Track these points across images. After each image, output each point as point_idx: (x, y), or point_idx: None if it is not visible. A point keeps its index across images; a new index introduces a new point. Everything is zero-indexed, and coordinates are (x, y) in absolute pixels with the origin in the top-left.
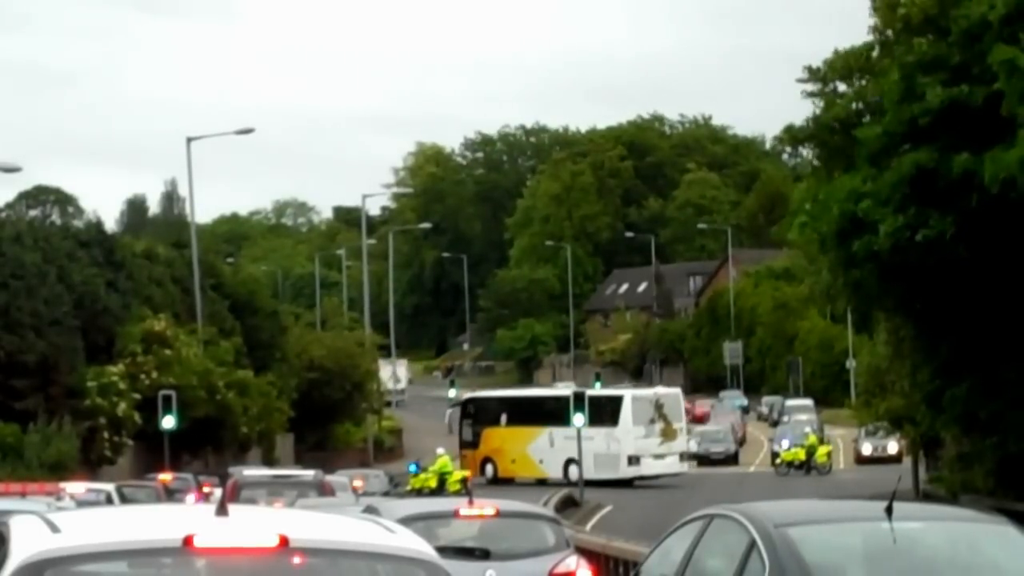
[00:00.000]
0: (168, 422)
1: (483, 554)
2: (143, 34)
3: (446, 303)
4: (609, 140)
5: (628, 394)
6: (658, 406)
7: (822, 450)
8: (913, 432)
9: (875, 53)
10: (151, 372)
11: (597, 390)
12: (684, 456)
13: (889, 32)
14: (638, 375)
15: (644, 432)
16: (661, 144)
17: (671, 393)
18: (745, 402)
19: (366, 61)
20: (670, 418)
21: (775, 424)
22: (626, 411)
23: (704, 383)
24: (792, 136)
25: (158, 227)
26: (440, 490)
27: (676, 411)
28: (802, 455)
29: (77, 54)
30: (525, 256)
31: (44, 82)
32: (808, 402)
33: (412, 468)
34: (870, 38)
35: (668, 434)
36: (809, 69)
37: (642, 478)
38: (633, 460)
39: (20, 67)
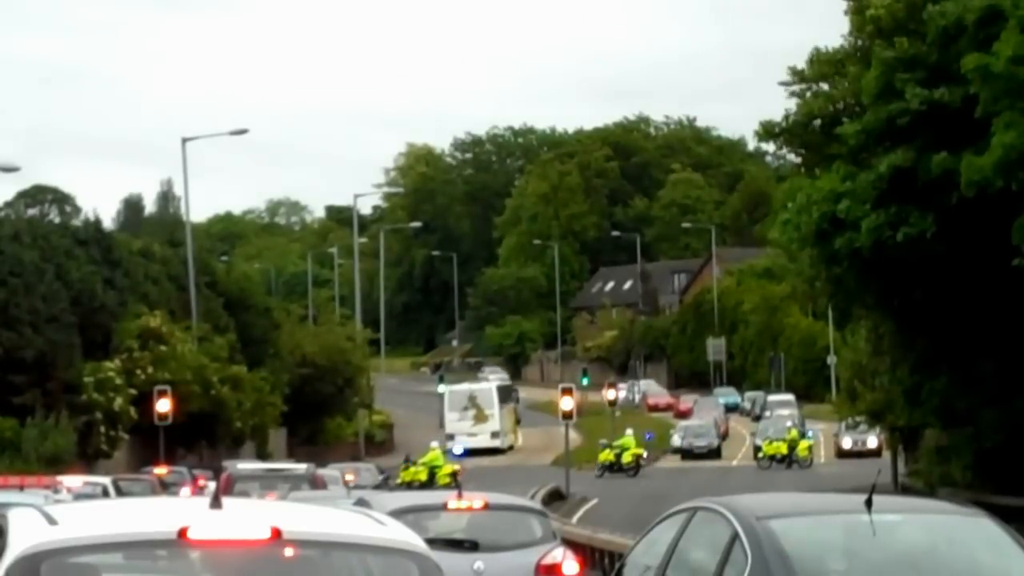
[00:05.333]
0: (163, 406)
1: (472, 546)
2: (142, 30)
3: (435, 300)
4: (596, 141)
5: (447, 389)
6: (471, 398)
7: (803, 444)
8: (894, 422)
9: (848, 57)
10: (147, 368)
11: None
12: (496, 434)
13: (861, 38)
14: (623, 371)
15: (458, 417)
16: (646, 145)
17: (484, 388)
18: (738, 399)
19: (359, 61)
20: (482, 407)
21: (757, 419)
22: (445, 401)
23: (688, 379)
24: (767, 131)
25: (154, 226)
26: (430, 483)
27: (488, 401)
28: (784, 449)
29: (77, 51)
30: (513, 254)
31: (43, 80)
32: (790, 397)
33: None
34: (845, 42)
35: (480, 419)
36: (792, 71)
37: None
38: (449, 437)
39: (19, 64)
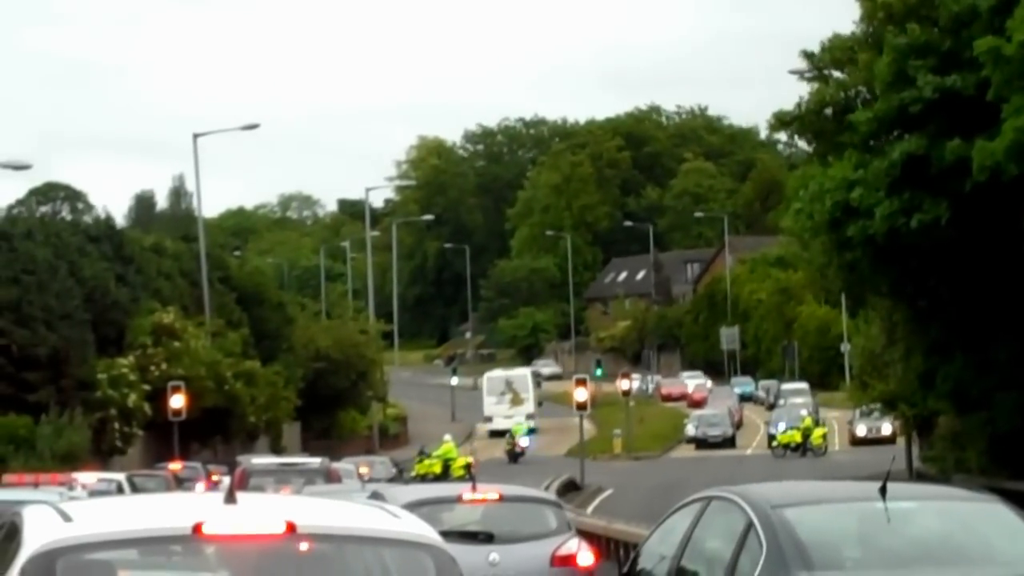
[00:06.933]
0: (177, 401)
1: (486, 538)
2: (153, 26)
3: (448, 293)
4: (607, 131)
5: (485, 375)
6: (508, 382)
7: (817, 432)
8: (908, 411)
9: (860, 44)
10: (160, 364)
11: None
12: (530, 415)
13: (872, 25)
14: (637, 360)
15: (496, 400)
16: (658, 135)
17: (520, 374)
18: (753, 388)
19: (369, 54)
20: (518, 391)
21: (771, 407)
22: (483, 386)
23: (702, 368)
24: (780, 121)
25: (166, 222)
26: (444, 476)
27: (524, 386)
28: (798, 437)
29: (87, 48)
30: (526, 246)
31: (54, 76)
32: (804, 385)
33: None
34: (857, 29)
35: (516, 401)
36: (804, 53)
37: (495, 431)
38: (487, 419)
39: (30, 61)
